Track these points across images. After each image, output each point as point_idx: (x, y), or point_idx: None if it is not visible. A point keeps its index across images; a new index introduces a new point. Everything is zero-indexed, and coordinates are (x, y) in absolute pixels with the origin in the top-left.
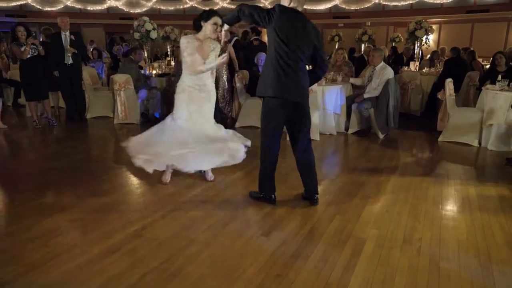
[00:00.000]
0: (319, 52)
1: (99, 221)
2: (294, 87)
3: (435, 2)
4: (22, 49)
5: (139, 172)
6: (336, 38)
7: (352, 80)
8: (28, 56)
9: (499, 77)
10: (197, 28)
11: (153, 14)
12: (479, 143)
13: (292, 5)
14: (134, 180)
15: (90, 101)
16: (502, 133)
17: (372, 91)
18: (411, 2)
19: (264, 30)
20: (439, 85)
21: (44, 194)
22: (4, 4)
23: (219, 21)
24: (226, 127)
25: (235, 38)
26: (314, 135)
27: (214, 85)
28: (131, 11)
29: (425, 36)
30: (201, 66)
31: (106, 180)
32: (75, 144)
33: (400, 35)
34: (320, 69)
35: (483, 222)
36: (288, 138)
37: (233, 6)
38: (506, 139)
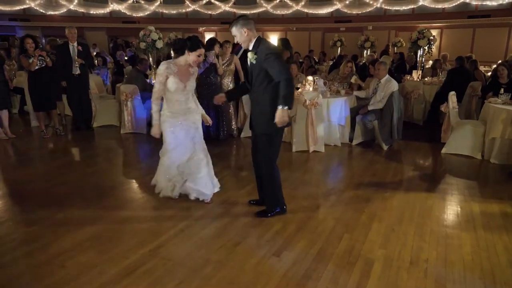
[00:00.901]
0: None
1: (113, 239)
2: None
3: (436, 7)
4: (30, 60)
5: (148, 188)
6: (338, 43)
7: (356, 92)
8: (36, 67)
9: (502, 90)
10: (179, 52)
11: (155, 18)
12: (482, 156)
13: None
14: (144, 195)
15: (96, 110)
16: (504, 146)
17: (376, 103)
18: (412, 6)
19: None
20: (441, 95)
21: (57, 211)
22: (7, 8)
23: (203, 52)
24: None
25: (242, 50)
26: (319, 147)
27: (198, 106)
28: (133, 15)
29: (428, 45)
30: (180, 93)
31: (117, 196)
32: (84, 156)
33: (401, 39)
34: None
35: (487, 242)
36: (294, 150)
37: (235, 10)
38: (509, 153)
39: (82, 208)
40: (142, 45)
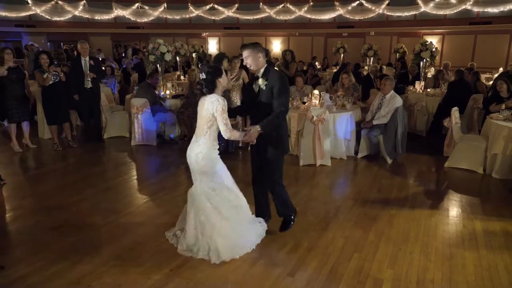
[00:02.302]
0: None
1: (135, 259)
2: None
3: (438, 13)
4: (45, 76)
5: (164, 204)
6: (341, 50)
7: (375, 121)
8: (50, 82)
9: (503, 106)
10: (212, 88)
11: (159, 23)
12: (484, 170)
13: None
14: (160, 213)
15: (107, 121)
16: (506, 162)
17: (381, 118)
18: (414, 13)
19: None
20: (444, 107)
21: (78, 231)
22: (13, 15)
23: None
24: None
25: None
26: (326, 161)
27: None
28: (138, 20)
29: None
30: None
31: (133, 213)
32: (98, 171)
33: (403, 46)
34: None
35: (489, 262)
36: (301, 164)
37: (238, 16)
38: (510, 168)
39: (102, 226)
40: (152, 57)
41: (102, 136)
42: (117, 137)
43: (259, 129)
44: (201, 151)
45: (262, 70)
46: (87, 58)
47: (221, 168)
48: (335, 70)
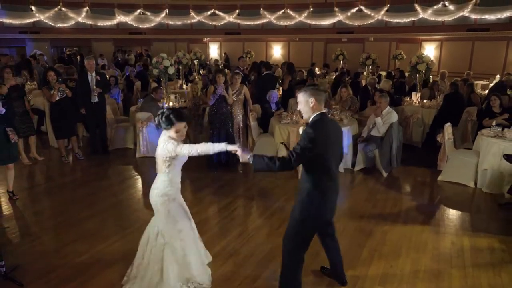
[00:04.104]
0: None
1: None
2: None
3: (436, 20)
4: (52, 92)
5: None
6: (341, 57)
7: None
8: (57, 98)
9: (494, 122)
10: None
11: (161, 29)
12: (475, 184)
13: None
14: None
15: (112, 134)
16: (495, 177)
17: (377, 130)
18: (413, 19)
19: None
20: (439, 119)
21: (89, 248)
22: (18, 22)
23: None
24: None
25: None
26: None
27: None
28: (140, 26)
29: (426, 69)
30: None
31: (142, 230)
32: (106, 185)
33: (402, 52)
34: None
35: (474, 280)
36: (299, 178)
37: (239, 21)
38: (499, 183)
39: (114, 242)
40: (155, 71)
41: (107, 147)
42: (123, 148)
43: (248, 157)
44: (158, 187)
45: (312, 119)
46: (94, 74)
47: (175, 209)
48: (334, 77)
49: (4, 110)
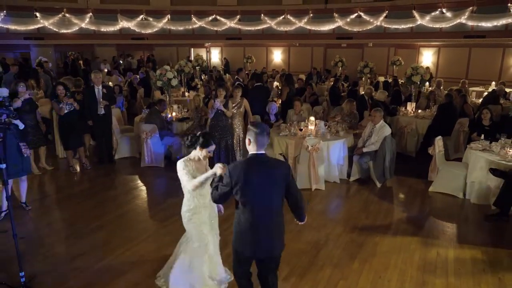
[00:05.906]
0: None
1: (154, 286)
2: None
3: (434, 26)
4: (60, 106)
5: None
6: (340, 64)
7: (365, 149)
8: (65, 112)
9: (482, 136)
10: (191, 146)
11: (163, 34)
12: (464, 195)
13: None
14: (173, 240)
15: (118, 143)
16: (483, 189)
17: (371, 145)
18: (411, 25)
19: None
20: (433, 129)
21: (99, 259)
22: (22, 28)
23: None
24: None
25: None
26: (320, 185)
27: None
28: (142, 32)
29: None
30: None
31: (148, 241)
32: (113, 195)
33: (400, 58)
34: None
35: None
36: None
37: (240, 26)
38: (486, 195)
39: (121, 253)
40: (159, 83)
41: (113, 157)
42: (128, 157)
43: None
44: (184, 204)
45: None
46: (100, 87)
47: (193, 229)
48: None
49: (23, 126)
